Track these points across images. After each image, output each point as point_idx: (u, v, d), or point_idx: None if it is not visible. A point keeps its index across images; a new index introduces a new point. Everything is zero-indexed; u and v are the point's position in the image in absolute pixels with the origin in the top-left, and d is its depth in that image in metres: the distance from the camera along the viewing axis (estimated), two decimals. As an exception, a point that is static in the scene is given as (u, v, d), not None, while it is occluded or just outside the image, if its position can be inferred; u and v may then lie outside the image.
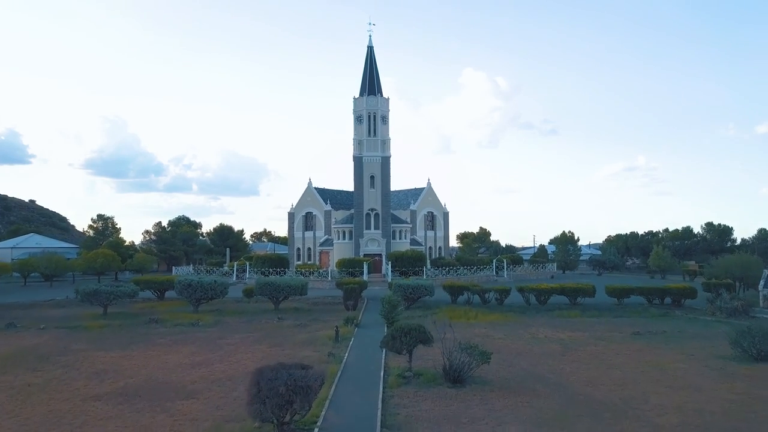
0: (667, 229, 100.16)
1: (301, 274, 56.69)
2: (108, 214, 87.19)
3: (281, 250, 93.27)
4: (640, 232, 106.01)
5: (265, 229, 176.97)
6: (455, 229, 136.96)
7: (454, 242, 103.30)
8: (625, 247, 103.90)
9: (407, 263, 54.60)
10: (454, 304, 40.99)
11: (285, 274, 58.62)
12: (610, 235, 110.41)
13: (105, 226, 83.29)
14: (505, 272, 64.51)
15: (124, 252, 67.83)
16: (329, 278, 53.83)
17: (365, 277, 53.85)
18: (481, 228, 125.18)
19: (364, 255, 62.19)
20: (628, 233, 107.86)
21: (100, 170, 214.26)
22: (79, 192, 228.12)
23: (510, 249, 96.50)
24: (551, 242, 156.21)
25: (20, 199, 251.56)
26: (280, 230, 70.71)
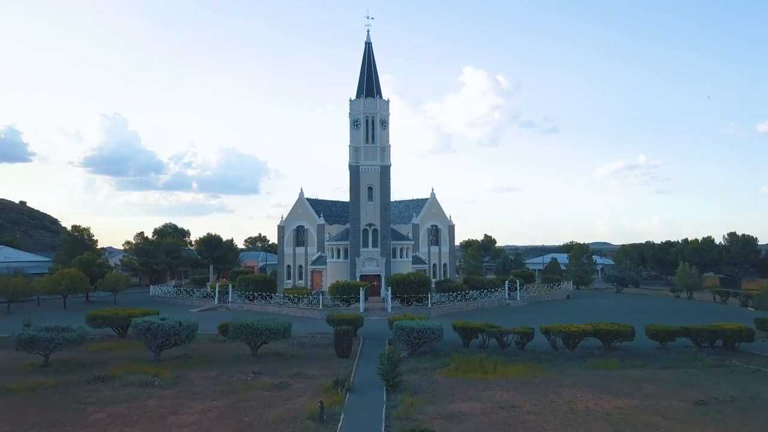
0: (686, 239, 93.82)
1: (288, 299, 50.28)
2: (85, 225, 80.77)
3: (274, 260, 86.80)
4: (656, 241, 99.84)
5: (259, 234, 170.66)
6: (457, 234, 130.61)
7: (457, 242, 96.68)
8: (641, 258, 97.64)
9: (409, 288, 48.10)
10: (466, 347, 34.55)
11: (272, 298, 52.30)
12: (624, 245, 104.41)
13: (81, 237, 76.72)
14: (518, 294, 58.07)
15: (96, 270, 61.22)
16: (320, 306, 47.37)
17: (362, 306, 47.40)
18: (485, 236, 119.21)
19: (361, 276, 55.77)
20: (644, 242, 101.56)
21: (100, 168, 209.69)
22: (79, 190, 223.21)
23: (518, 261, 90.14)
24: (560, 249, 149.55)
25: (10, 201, 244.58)
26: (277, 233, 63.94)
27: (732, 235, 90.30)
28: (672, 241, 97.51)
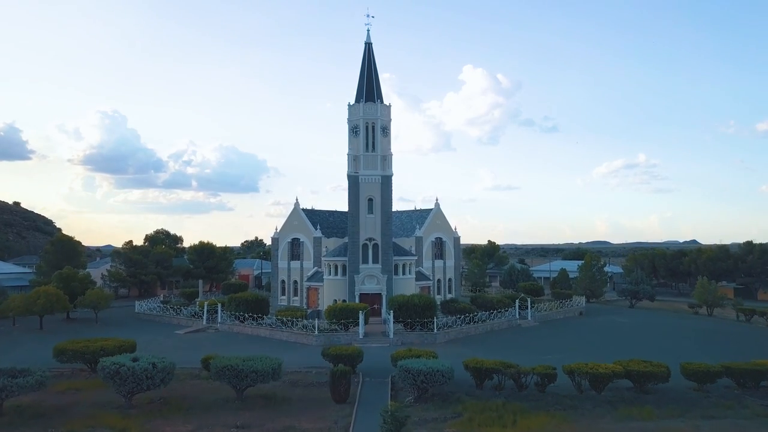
0: (699, 249, 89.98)
1: (281, 323, 46.28)
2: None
3: (269, 268, 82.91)
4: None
5: (256, 238, 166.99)
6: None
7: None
8: (652, 267, 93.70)
9: (413, 312, 44.08)
10: (479, 389, 30.55)
11: (263, 320, 48.33)
12: (634, 253, 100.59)
13: (65, 247, 72.59)
14: (529, 313, 54.13)
15: (77, 286, 57.13)
16: (316, 332, 43.36)
17: (361, 331, 43.44)
18: (489, 242, 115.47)
19: (361, 295, 51.79)
20: (655, 250, 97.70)
21: (100, 166, 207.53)
22: (78, 188, 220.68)
23: (525, 272, 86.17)
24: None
25: (4, 202, 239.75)
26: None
27: (748, 244, 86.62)
28: (685, 248, 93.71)
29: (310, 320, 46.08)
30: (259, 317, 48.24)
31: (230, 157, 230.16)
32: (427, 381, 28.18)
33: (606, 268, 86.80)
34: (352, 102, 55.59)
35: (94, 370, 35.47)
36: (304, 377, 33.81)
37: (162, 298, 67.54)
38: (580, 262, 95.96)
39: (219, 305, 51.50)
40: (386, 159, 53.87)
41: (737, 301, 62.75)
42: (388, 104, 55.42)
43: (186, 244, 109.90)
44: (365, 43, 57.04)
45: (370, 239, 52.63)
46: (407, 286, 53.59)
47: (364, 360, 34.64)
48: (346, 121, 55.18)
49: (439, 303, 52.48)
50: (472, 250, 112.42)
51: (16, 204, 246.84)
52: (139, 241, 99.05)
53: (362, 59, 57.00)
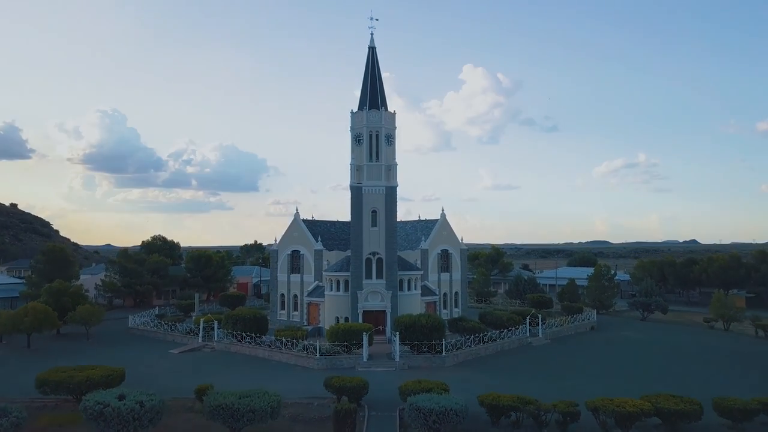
0: (710, 257, 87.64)
1: (281, 342, 43.91)
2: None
3: (268, 275, 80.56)
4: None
5: (255, 241, 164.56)
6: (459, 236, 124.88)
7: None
8: (661, 275, 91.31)
9: (420, 334, 41.67)
10: (495, 426, 28.20)
11: (262, 340, 45.97)
12: (642, 260, 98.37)
13: (55, 259, 70.10)
14: (540, 330, 51.80)
15: (68, 301, 54.72)
16: (317, 354, 40.98)
17: (365, 354, 41.07)
18: (493, 247, 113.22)
19: (364, 312, 49.39)
20: (664, 257, 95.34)
21: (99, 165, 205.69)
22: (78, 187, 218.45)
23: (532, 282, 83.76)
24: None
25: (0, 204, 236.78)
26: (279, 228, 57.41)
27: (761, 252, 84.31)
28: (694, 255, 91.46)
29: (311, 341, 43.70)
30: (257, 336, 45.86)
31: (230, 156, 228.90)
32: (439, 421, 25.78)
33: (615, 277, 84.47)
34: (355, 109, 53.09)
35: (80, 401, 33.18)
36: (306, 410, 31.36)
37: (157, 311, 65.24)
38: (587, 269, 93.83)
39: (215, 322, 49.12)
40: (391, 169, 51.40)
41: (756, 316, 60.29)
42: (392, 111, 52.93)
43: (185, 244, 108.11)
44: (369, 48, 54.45)
45: (373, 253, 50.21)
46: (413, 302, 51.21)
47: (370, 391, 32.30)
48: (349, 129, 52.59)
49: (446, 320, 50.10)
50: (475, 256, 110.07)
51: (13, 206, 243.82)
52: (137, 241, 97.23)
53: (366, 65, 54.48)
